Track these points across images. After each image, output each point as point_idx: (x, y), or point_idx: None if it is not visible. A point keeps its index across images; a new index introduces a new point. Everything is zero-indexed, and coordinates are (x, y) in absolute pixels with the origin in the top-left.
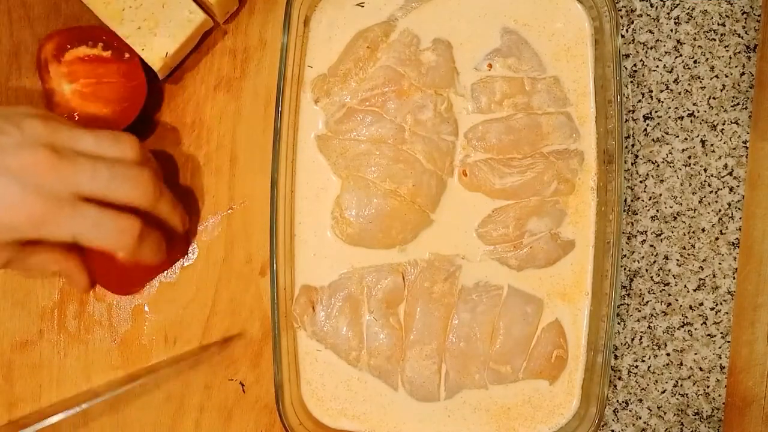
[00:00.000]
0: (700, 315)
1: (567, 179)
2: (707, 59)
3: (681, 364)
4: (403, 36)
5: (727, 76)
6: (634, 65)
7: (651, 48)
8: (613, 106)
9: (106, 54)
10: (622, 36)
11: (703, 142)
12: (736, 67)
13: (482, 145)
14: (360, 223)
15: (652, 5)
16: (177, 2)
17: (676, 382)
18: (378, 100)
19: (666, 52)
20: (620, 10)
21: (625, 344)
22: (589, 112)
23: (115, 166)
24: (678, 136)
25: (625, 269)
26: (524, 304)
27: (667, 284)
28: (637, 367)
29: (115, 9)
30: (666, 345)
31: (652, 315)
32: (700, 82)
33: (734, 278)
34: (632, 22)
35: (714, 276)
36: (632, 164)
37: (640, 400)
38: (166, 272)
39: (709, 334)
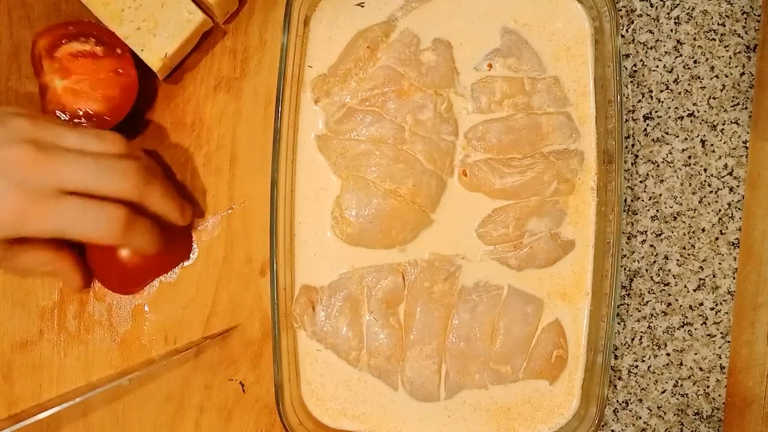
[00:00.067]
0: (700, 315)
1: (567, 179)
2: (707, 59)
3: (681, 364)
4: (403, 36)
5: (727, 76)
6: (634, 65)
7: (651, 48)
8: (613, 106)
9: (99, 50)
10: (622, 36)
11: (703, 142)
12: (736, 67)
13: (482, 145)
14: (360, 223)
15: (652, 5)
16: (176, 3)
17: (676, 382)
18: (378, 100)
19: (666, 52)
20: (620, 10)
21: (625, 344)
22: (589, 112)
23: (100, 158)
24: (678, 136)
25: (625, 269)
26: (524, 304)
27: (667, 284)
28: (637, 367)
29: (114, 9)
30: (666, 345)
31: (652, 315)
32: (700, 82)
33: (734, 278)
34: (632, 22)
35: (714, 276)
36: (632, 164)
37: (640, 400)
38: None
39: (709, 334)
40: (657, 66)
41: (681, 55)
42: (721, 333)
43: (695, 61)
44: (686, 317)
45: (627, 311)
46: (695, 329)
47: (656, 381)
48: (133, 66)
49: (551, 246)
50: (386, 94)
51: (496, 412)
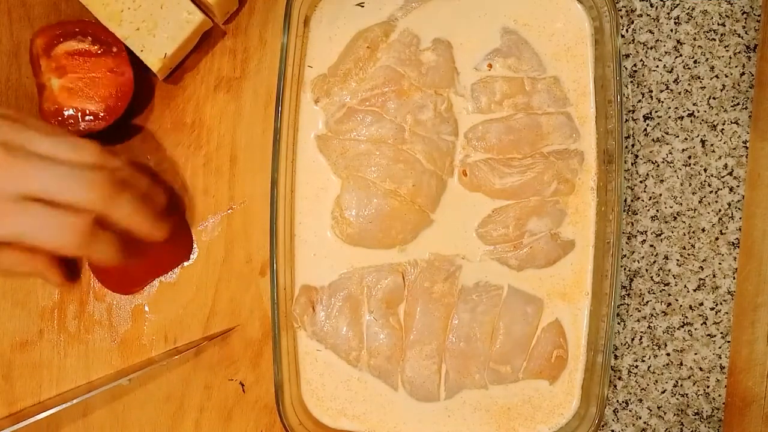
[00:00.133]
0: (700, 315)
1: (567, 179)
2: (707, 59)
3: (681, 364)
4: (403, 36)
5: (727, 76)
6: (634, 65)
7: (651, 48)
8: (613, 106)
9: (95, 49)
10: (622, 36)
11: (703, 142)
12: (736, 67)
13: (482, 145)
14: (360, 223)
15: (652, 5)
16: (175, 3)
17: (676, 382)
18: (378, 100)
19: (666, 52)
20: (620, 10)
21: (625, 344)
22: (589, 112)
23: (68, 167)
24: (678, 136)
25: (625, 269)
26: (524, 304)
27: (667, 284)
28: (637, 367)
29: (113, 10)
30: (666, 345)
31: (652, 315)
32: (700, 82)
33: (734, 278)
34: (632, 22)
35: (714, 276)
36: (632, 164)
37: (640, 400)
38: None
39: (709, 334)
40: (657, 66)
41: (681, 55)
42: (721, 333)
43: (695, 61)
44: (686, 317)
45: (627, 311)
46: (695, 329)
47: (656, 381)
48: (129, 65)
49: (551, 246)
50: (386, 94)
51: (496, 412)
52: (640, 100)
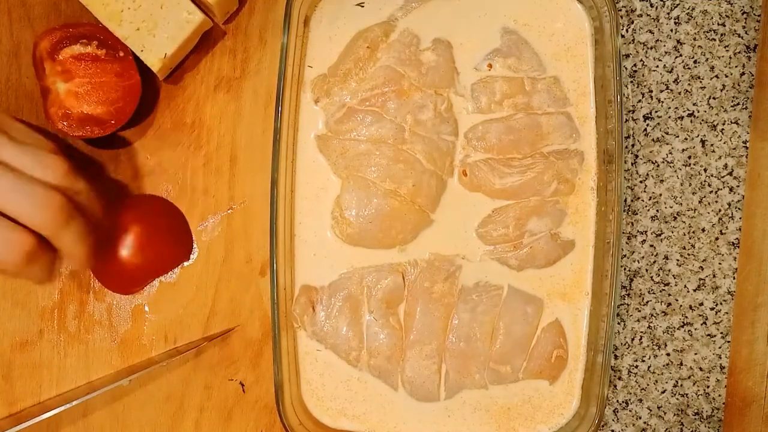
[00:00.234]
0: (700, 315)
1: (567, 179)
2: (707, 59)
3: (681, 364)
4: (403, 36)
5: (727, 76)
6: (634, 65)
7: (651, 48)
8: (613, 106)
9: (101, 53)
10: (622, 36)
11: (703, 142)
12: (736, 67)
13: (482, 145)
14: (360, 223)
15: (652, 5)
16: (175, 3)
17: (676, 382)
18: (378, 100)
19: (666, 52)
20: (620, 10)
21: (625, 344)
22: (589, 112)
23: (24, 182)
24: (678, 136)
25: (625, 269)
26: (524, 304)
27: (667, 284)
28: (637, 367)
29: (113, 10)
30: (666, 345)
31: (652, 315)
32: (700, 82)
33: (734, 278)
34: (632, 22)
35: (714, 276)
36: (632, 164)
37: (640, 400)
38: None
39: (709, 334)
40: (657, 66)
41: (681, 55)
42: (721, 333)
43: (695, 61)
44: (686, 317)
45: (627, 311)
46: (695, 329)
47: (656, 381)
48: (136, 69)
49: (551, 246)
50: (386, 94)
51: (496, 412)
52: (640, 100)
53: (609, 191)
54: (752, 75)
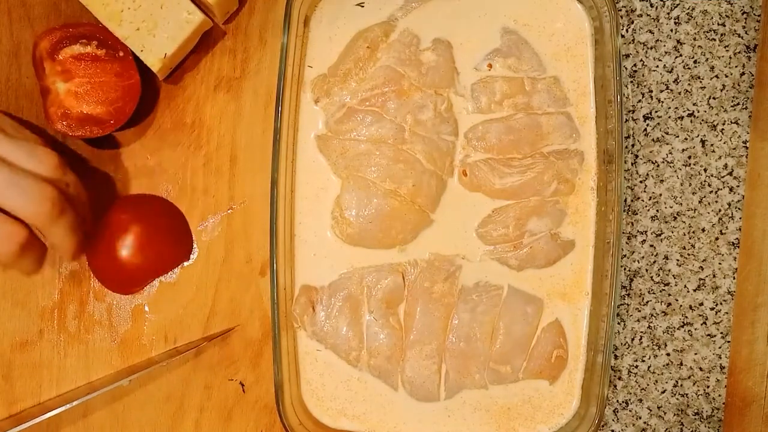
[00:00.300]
0: (700, 315)
1: (567, 179)
2: (707, 59)
3: (681, 364)
4: (403, 36)
5: (727, 76)
6: (634, 65)
7: (651, 48)
8: (613, 106)
9: (100, 53)
10: (622, 36)
11: (703, 142)
12: (736, 67)
13: (482, 145)
14: (360, 223)
15: (652, 5)
16: (175, 3)
17: (676, 382)
18: (378, 100)
19: (666, 52)
20: (620, 10)
21: (625, 344)
22: (589, 112)
23: (16, 174)
24: (678, 136)
25: (625, 269)
26: (524, 304)
27: (667, 284)
28: (637, 367)
29: (113, 10)
30: (666, 345)
31: (652, 315)
32: (700, 82)
33: (734, 278)
34: (632, 22)
35: (714, 276)
36: (632, 164)
37: (640, 400)
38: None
39: (709, 334)
40: (657, 66)
41: (681, 55)
42: (721, 333)
43: (695, 61)
44: (686, 317)
45: (627, 311)
46: (695, 329)
47: (656, 381)
48: (136, 69)
49: (551, 246)
50: (386, 94)
51: (496, 412)
52: (640, 100)
53: (609, 191)
54: (752, 75)
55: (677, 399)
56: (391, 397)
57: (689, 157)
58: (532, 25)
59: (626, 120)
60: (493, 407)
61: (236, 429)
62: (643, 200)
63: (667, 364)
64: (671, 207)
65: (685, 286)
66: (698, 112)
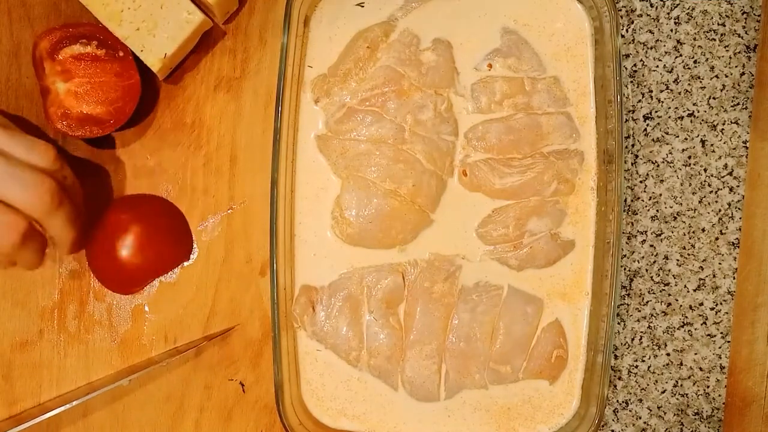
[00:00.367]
0: (700, 315)
1: (567, 179)
2: (707, 59)
3: (681, 364)
4: (403, 36)
5: (727, 76)
6: (634, 65)
7: (651, 48)
8: (613, 106)
9: (100, 53)
10: (622, 36)
11: (703, 142)
12: (736, 67)
13: (482, 145)
14: (360, 223)
15: (652, 5)
16: (175, 3)
17: (676, 382)
18: (378, 100)
19: (666, 52)
20: (620, 10)
21: (625, 344)
22: (589, 112)
23: (15, 166)
24: (678, 136)
25: (625, 269)
26: (524, 304)
27: (667, 284)
28: (637, 367)
29: (113, 10)
30: (666, 345)
31: (652, 315)
32: (700, 82)
33: (734, 278)
34: (632, 22)
35: (714, 276)
36: (632, 164)
37: (640, 400)
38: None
39: (709, 334)
40: (657, 66)
41: (681, 55)
42: (721, 333)
43: (695, 61)
44: (686, 317)
45: (627, 311)
46: (695, 329)
47: (656, 381)
48: (136, 69)
49: (551, 246)
50: (386, 94)
51: (496, 412)
52: (640, 100)
53: (609, 191)
54: (752, 75)
55: (677, 399)
56: (391, 397)
57: (689, 157)
58: (532, 25)
59: (626, 120)
60: (493, 407)
61: (236, 429)
62: (643, 200)
63: (667, 364)
64: (671, 207)
65: (685, 286)
66: (698, 112)
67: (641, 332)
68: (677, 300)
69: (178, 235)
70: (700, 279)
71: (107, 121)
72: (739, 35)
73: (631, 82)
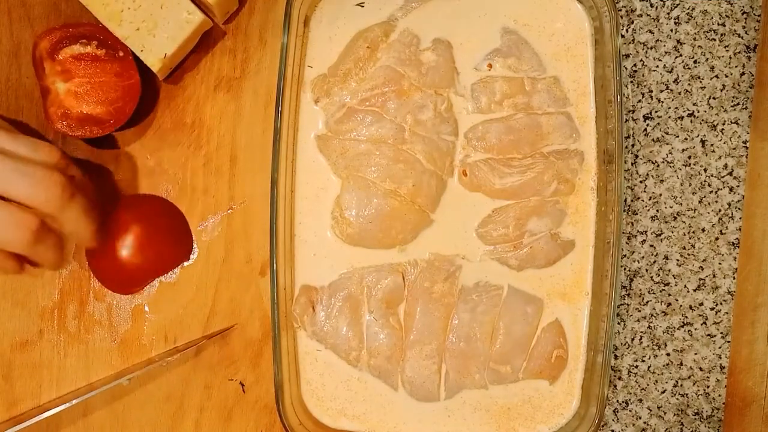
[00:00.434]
0: (700, 315)
1: (567, 179)
2: (707, 59)
3: (681, 364)
4: (403, 36)
5: (727, 76)
6: (634, 65)
7: (651, 48)
8: (613, 106)
9: (100, 53)
10: (622, 36)
11: (703, 142)
12: (736, 67)
13: (482, 145)
14: (360, 223)
15: (652, 5)
16: (175, 3)
17: (676, 382)
18: (378, 100)
19: (666, 52)
20: (620, 10)
21: (625, 344)
22: (589, 112)
23: (24, 164)
24: (678, 136)
25: (625, 269)
26: (524, 304)
27: (667, 284)
28: (637, 367)
29: (113, 10)
30: (666, 345)
31: (652, 315)
32: (700, 82)
33: (734, 278)
34: (632, 22)
35: (714, 276)
36: (632, 164)
37: (640, 400)
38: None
39: (709, 334)
40: (657, 66)
41: (681, 55)
42: (721, 333)
43: (695, 61)
44: (686, 317)
45: (627, 311)
46: (695, 329)
47: (656, 381)
48: (136, 69)
49: (551, 246)
50: (386, 94)
51: (496, 412)
52: (640, 100)
53: (609, 191)
54: (752, 75)
55: (677, 399)
56: (391, 397)
57: (689, 157)
58: (532, 25)
59: (626, 120)
60: (493, 407)
61: (236, 429)
62: (643, 200)
63: (667, 364)
64: (671, 207)
65: (685, 286)
66: (698, 112)
67: (641, 332)
68: (677, 300)
69: (178, 235)
70: (700, 279)
71: (107, 121)
72: (739, 35)
73: (631, 82)
